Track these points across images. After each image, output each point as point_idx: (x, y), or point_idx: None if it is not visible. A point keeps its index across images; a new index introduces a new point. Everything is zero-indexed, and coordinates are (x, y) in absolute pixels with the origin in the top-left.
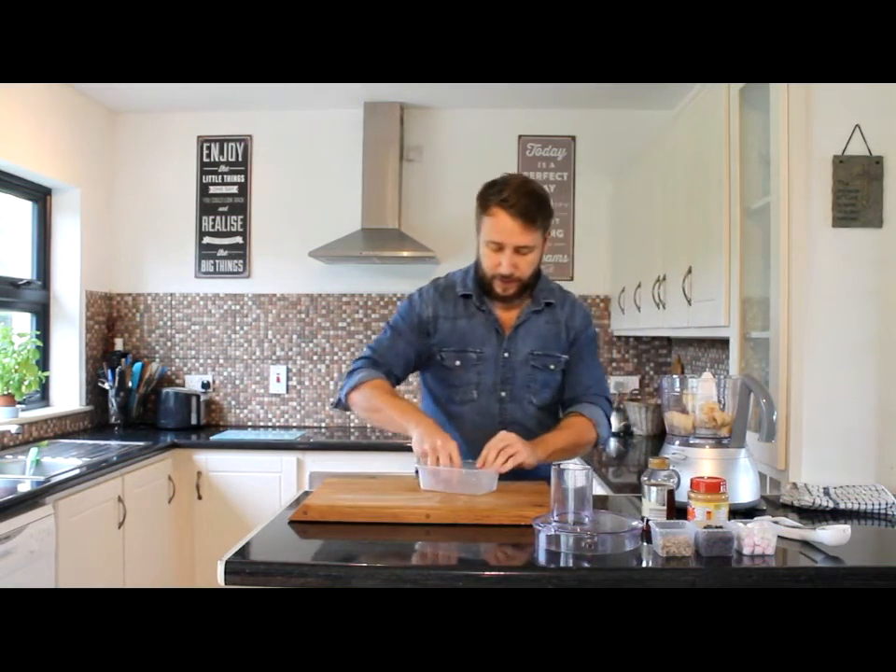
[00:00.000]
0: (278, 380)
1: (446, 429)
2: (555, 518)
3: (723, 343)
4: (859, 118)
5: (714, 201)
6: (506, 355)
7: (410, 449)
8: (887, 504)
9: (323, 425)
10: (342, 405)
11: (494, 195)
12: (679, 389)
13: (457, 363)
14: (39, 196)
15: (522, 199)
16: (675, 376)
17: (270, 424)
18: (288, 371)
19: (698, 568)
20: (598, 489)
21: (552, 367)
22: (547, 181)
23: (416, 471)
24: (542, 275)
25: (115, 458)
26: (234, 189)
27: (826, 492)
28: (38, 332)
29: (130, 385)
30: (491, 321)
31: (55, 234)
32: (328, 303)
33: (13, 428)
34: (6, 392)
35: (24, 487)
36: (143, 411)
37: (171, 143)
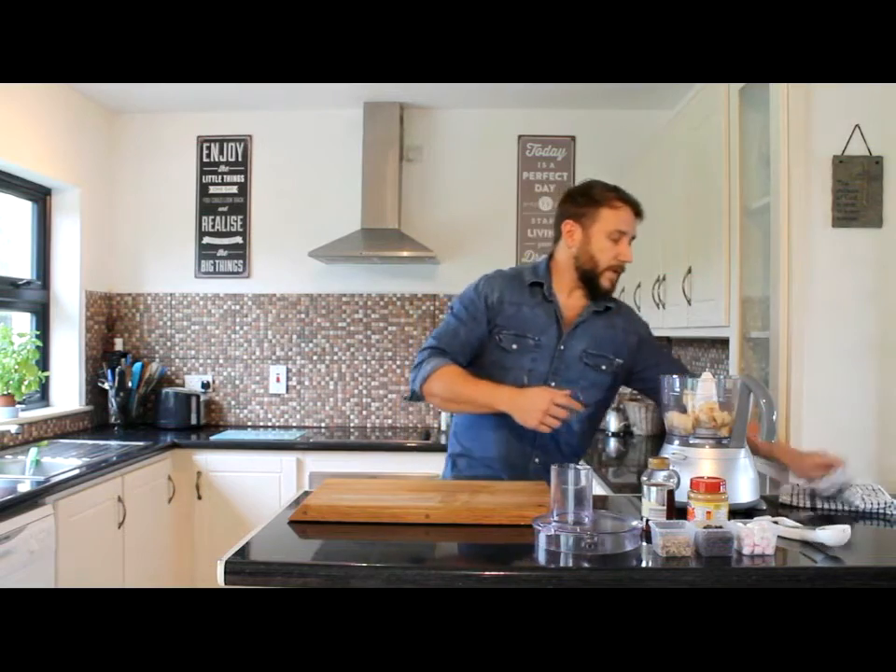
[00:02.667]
0: (278, 380)
1: (491, 415)
2: (555, 518)
3: (723, 343)
4: (859, 118)
5: (714, 201)
6: (562, 347)
7: (410, 449)
8: (885, 504)
9: (323, 425)
10: (416, 396)
11: (609, 191)
12: (678, 389)
13: (514, 346)
14: (39, 196)
15: (633, 196)
16: (675, 376)
17: (270, 424)
18: (288, 371)
19: (698, 568)
20: (598, 489)
21: (603, 367)
22: (547, 181)
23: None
24: None
25: (115, 458)
26: (234, 189)
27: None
28: (38, 332)
29: (130, 385)
30: (555, 313)
31: (55, 234)
32: (328, 303)
33: (13, 428)
34: (6, 392)
35: (24, 487)
36: (143, 411)
37: (171, 143)
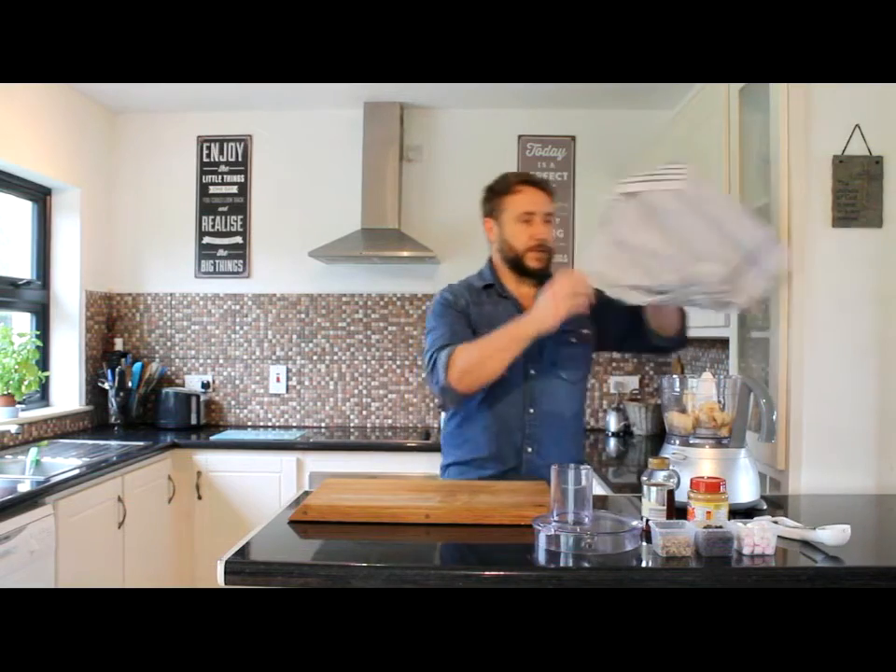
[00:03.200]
0: (278, 380)
1: (476, 413)
2: (555, 518)
3: (723, 343)
4: (859, 118)
5: None
6: None
7: (410, 449)
8: None
9: (323, 425)
10: (447, 393)
11: (513, 178)
12: (678, 389)
13: None
14: (39, 196)
15: (539, 177)
16: (675, 376)
17: (270, 424)
18: (288, 371)
19: (698, 568)
20: (598, 489)
21: (573, 340)
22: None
23: None
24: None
25: (115, 458)
26: (234, 189)
27: None
28: (38, 332)
29: (130, 385)
30: (513, 306)
31: (55, 234)
32: (328, 303)
33: (13, 428)
34: (6, 392)
35: (24, 487)
36: (143, 411)
37: (171, 143)
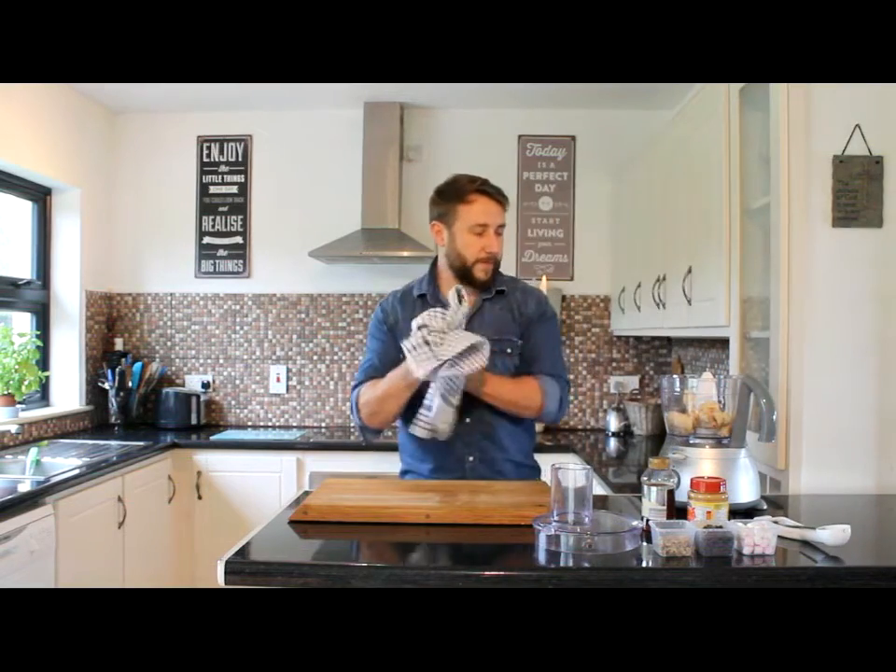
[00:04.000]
0: (278, 380)
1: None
2: (555, 518)
3: (723, 343)
4: (859, 118)
5: (714, 201)
6: None
7: None
8: None
9: (323, 425)
10: (365, 430)
11: (467, 185)
12: (678, 389)
13: None
14: (39, 196)
15: (494, 186)
16: (675, 376)
17: (270, 424)
18: (288, 370)
19: (698, 568)
20: (598, 489)
21: (508, 350)
22: (547, 181)
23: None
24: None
25: (115, 458)
26: (234, 189)
27: None
28: (38, 332)
29: (130, 384)
30: None
31: (55, 234)
32: (328, 303)
33: (13, 428)
34: (6, 392)
35: (24, 487)
36: (143, 411)
37: (171, 143)
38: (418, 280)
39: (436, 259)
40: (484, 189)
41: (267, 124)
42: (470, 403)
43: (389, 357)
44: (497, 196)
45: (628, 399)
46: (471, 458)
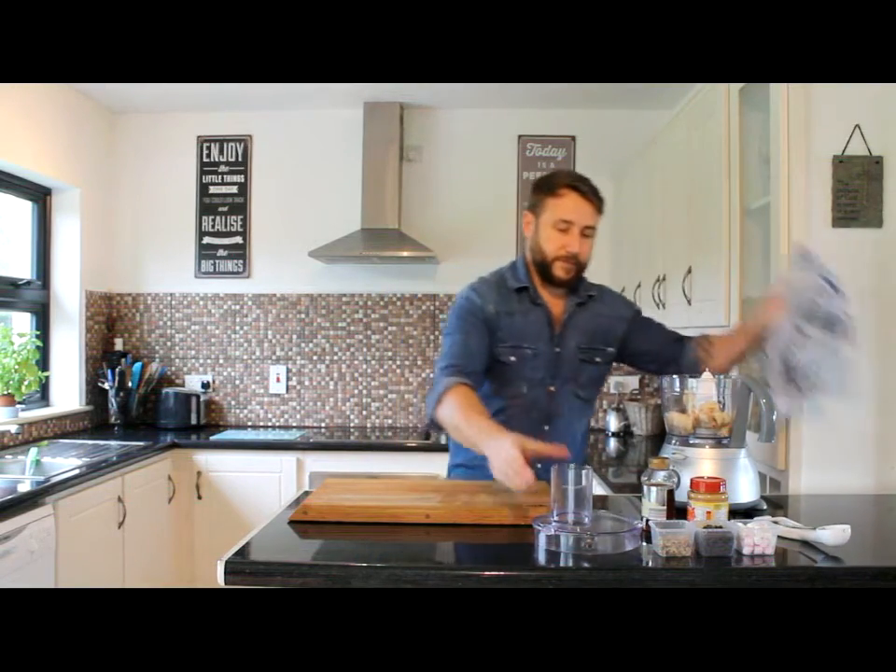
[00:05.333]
0: (278, 380)
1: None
2: (555, 518)
3: None
4: (859, 118)
5: (714, 201)
6: (557, 350)
7: (410, 449)
8: None
9: (323, 425)
10: (434, 424)
11: (562, 179)
12: (678, 389)
13: (512, 359)
14: (39, 196)
15: (590, 184)
16: (675, 376)
17: (270, 424)
18: (288, 371)
19: (698, 568)
20: (598, 489)
21: (598, 359)
22: None
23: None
24: None
25: (115, 458)
26: (234, 189)
27: None
28: (38, 332)
29: (130, 385)
30: (545, 316)
31: (55, 234)
32: (328, 303)
33: (13, 428)
34: (6, 392)
35: (24, 487)
36: (143, 411)
37: (171, 143)
38: (507, 270)
39: (524, 254)
40: (577, 185)
41: (267, 124)
42: (555, 411)
43: (480, 347)
44: (590, 195)
45: (628, 399)
46: (539, 465)
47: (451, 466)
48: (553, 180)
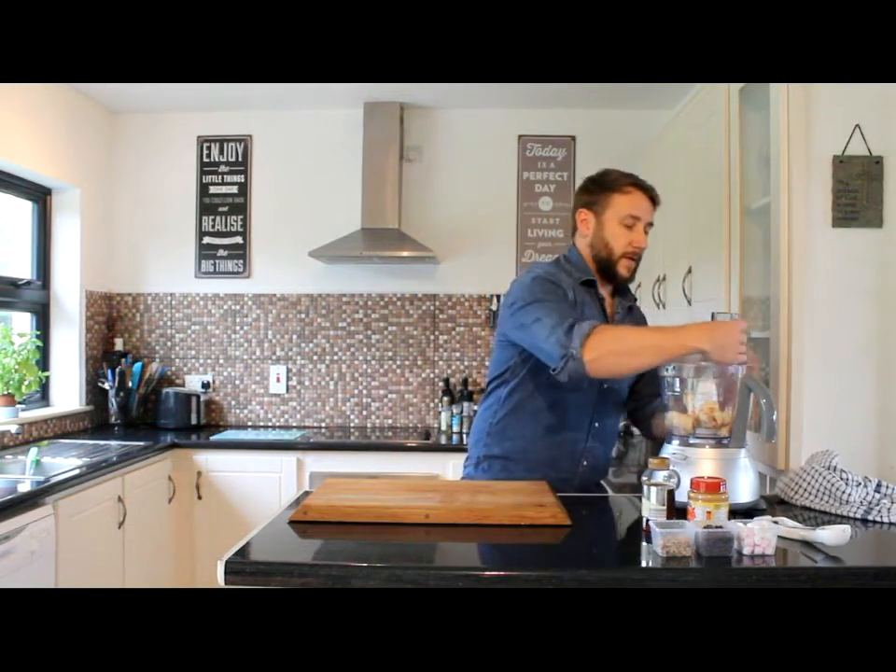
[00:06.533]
0: (278, 380)
1: (541, 412)
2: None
3: None
4: (859, 118)
5: (714, 201)
6: None
7: (410, 449)
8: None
9: (323, 425)
10: (574, 365)
11: (623, 177)
12: (678, 389)
13: None
14: (39, 196)
15: (647, 183)
16: (675, 376)
17: (270, 424)
18: (288, 371)
19: (698, 568)
20: None
21: None
22: (547, 181)
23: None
24: None
25: (115, 458)
26: (234, 189)
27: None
28: (38, 332)
29: (130, 385)
30: (603, 311)
31: (55, 234)
32: (328, 303)
33: (13, 428)
34: (6, 392)
35: (24, 487)
36: (143, 411)
37: (171, 143)
38: (565, 263)
39: (578, 250)
40: (641, 183)
41: (267, 124)
42: (605, 410)
43: (571, 312)
44: (652, 193)
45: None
46: (585, 463)
47: (478, 456)
48: (615, 178)
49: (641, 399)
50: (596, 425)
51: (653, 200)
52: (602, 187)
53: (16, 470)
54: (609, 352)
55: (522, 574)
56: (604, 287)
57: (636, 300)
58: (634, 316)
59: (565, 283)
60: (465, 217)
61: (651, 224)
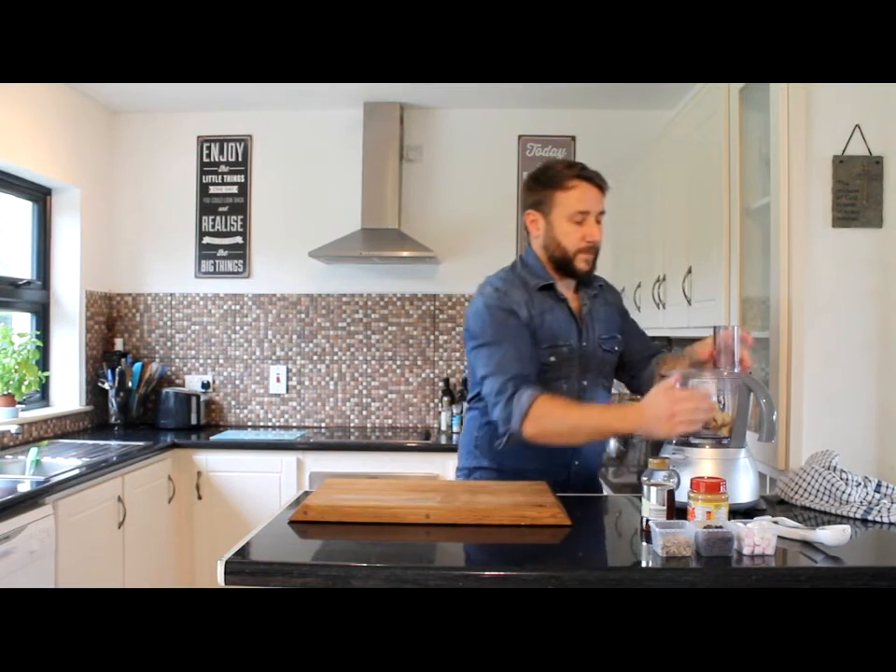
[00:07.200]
0: (278, 380)
1: None
2: None
3: None
4: (859, 118)
5: (714, 201)
6: (584, 344)
7: (410, 449)
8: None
9: (323, 425)
10: (515, 437)
11: (567, 171)
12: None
13: (552, 359)
14: (39, 196)
15: (592, 169)
16: (675, 376)
17: (270, 424)
18: (288, 371)
19: (698, 568)
20: None
21: (616, 348)
22: None
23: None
24: None
25: (115, 458)
26: (234, 189)
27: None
28: (38, 332)
29: (130, 385)
30: (569, 311)
31: (55, 234)
32: (328, 303)
33: (13, 428)
34: (6, 392)
35: (24, 487)
36: (143, 411)
37: (171, 143)
38: (521, 270)
39: (532, 251)
40: (584, 173)
41: (267, 124)
42: (588, 399)
43: (531, 351)
44: (597, 180)
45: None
46: (577, 462)
47: (467, 468)
48: (556, 173)
49: (637, 367)
50: None
51: (601, 188)
52: (545, 185)
53: (16, 470)
54: (546, 432)
55: (522, 574)
56: (566, 284)
57: (601, 284)
58: (604, 299)
59: (517, 300)
60: (465, 217)
61: (602, 212)
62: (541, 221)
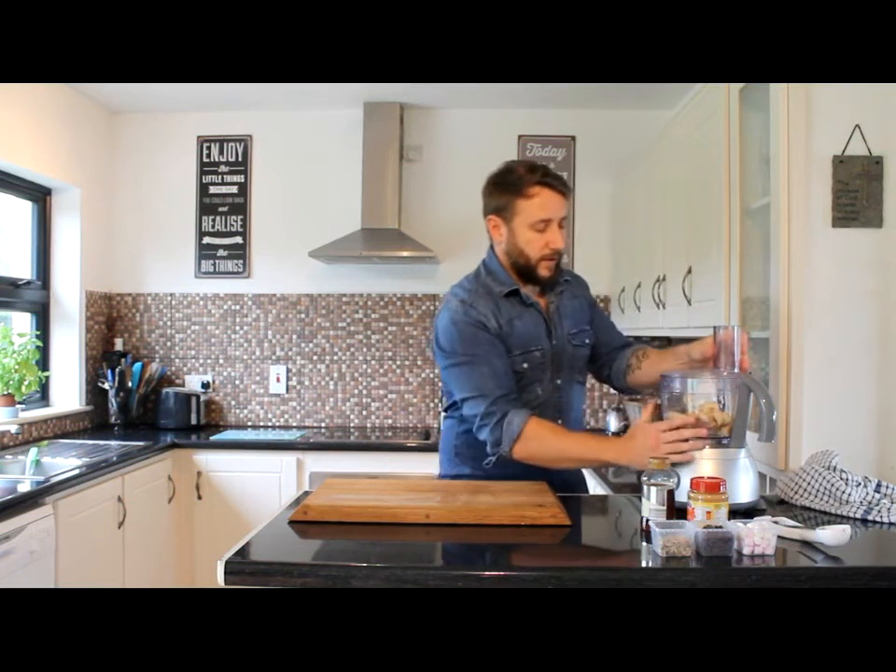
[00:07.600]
0: (278, 380)
1: None
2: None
3: None
4: (859, 118)
5: (714, 201)
6: (555, 343)
7: (410, 449)
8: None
9: (323, 425)
10: (503, 458)
11: (529, 176)
12: (678, 389)
13: (525, 365)
14: (39, 196)
15: (553, 173)
16: (675, 376)
17: (270, 424)
18: (288, 371)
19: (698, 568)
20: (598, 489)
21: (586, 341)
22: None
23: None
24: None
25: (115, 458)
26: (234, 189)
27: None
28: (38, 332)
29: (130, 385)
30: (538, 314)
31: (55, 234)
32: (328, 303)
33: (13, 428)
34: (6, 392)
35: (24, 487)
36: (143, 411)
37: (171, 143)
38: (485, 278)
39: (495, 256)
40: (545, 180)
41: (267, 124)
42: (565, 403)
43: (507, 366)
44: (559, 186)
45: (628, 399)
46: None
47: (451, 476)
48: (516, 180)
49: (605, 358)
50: (560, 421)
51: (563, 193)
52: (507, 190)
53: (16, 470)
54: (535, 456)
55: (522, 574)
56: (531, 289)
57: (567, 279)
58: (571, 292)
59: (484, 311)
60: (465, 217)
61: (564, 218)
62: (503, 227)
